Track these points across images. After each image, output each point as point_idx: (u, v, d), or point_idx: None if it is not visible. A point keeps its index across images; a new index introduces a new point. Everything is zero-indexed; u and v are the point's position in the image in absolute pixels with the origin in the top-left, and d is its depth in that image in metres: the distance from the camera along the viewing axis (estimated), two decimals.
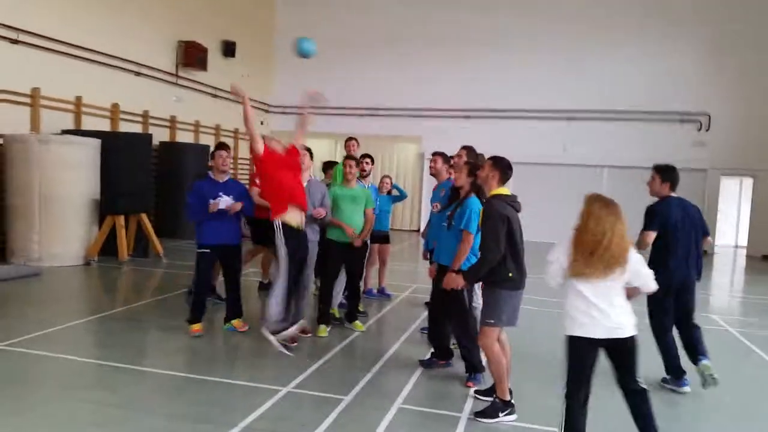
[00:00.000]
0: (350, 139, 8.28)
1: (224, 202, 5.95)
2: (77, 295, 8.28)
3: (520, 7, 17.60)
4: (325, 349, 5.79)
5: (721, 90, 16.46)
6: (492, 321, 4.35)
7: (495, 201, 4.36)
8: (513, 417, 4.31)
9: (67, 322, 6.32)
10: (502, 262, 4.25)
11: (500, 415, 4.29)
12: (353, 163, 6.57)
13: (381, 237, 8.18)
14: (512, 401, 4.36)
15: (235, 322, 6.29)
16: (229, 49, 16.47)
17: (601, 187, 17.13)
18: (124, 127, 12.89)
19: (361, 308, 7.23)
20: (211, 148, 6.76)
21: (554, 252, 3.56)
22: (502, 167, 4.42)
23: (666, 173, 5.34)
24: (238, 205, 6.02)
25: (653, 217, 5.12)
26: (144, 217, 10.74)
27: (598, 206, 3.45)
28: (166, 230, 12.78)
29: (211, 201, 5.91)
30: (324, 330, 6.31)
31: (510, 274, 4.28)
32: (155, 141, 13.56)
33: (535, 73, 17.39)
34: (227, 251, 6.18)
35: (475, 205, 4.91)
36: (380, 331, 6.90)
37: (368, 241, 6.76)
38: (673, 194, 5.31)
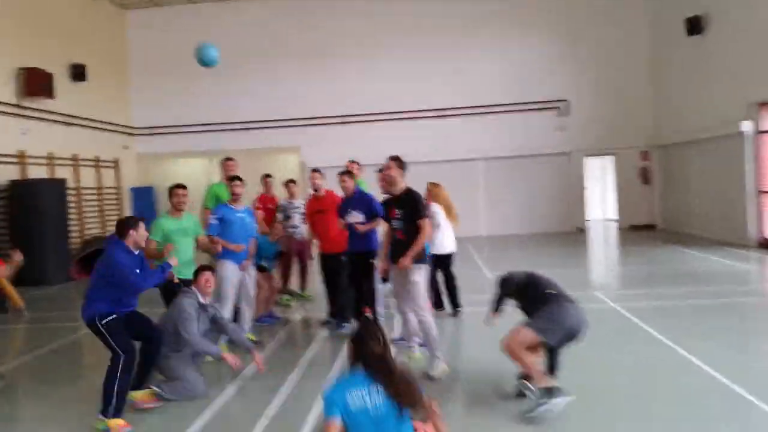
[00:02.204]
0: (228, 159, 7.94)
1: None
2: None
3: (383, 14, 17.72)
4: (217, 392, 5.31)
5: (576, 76, 17.46)
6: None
7: None
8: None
9: None
10: None
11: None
12: (183, 192, 6.26)
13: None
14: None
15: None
16: (78, 73, 15.20)
17: (479, 179, 17.69)
18: None
19: (252, 337, 6.86)
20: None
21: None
22: None
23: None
24: None
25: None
26: None
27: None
28: (27, 278, 11.49)
29: None
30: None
31: None
32: (2, 180, 12.25)
33: (404, 76, 17.56)
34: None
35: None
36: (275, 363, 6.42)
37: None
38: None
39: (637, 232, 16.73)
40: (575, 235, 16.83)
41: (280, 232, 8.33)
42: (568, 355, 4.85)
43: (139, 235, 4.94)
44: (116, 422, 4.57)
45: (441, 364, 5.49)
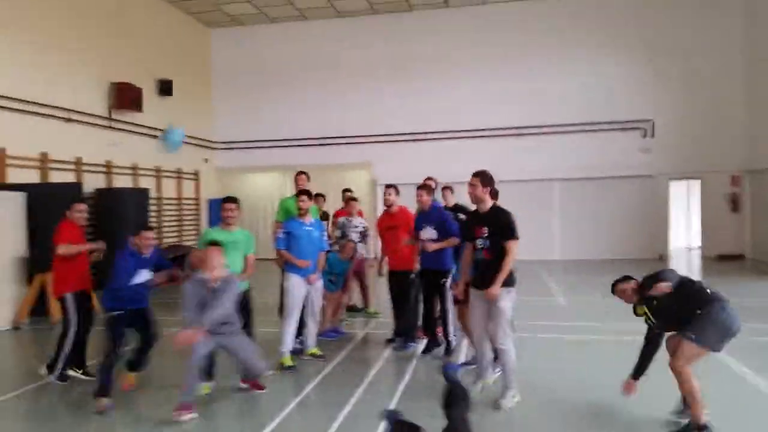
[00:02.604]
0: (300, 172, 7.97)
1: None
2: (3, 365, 7.52)
3: (462, 30, 17.60)
4: (279, 405, 5.28)
5: (663, 96, 16.68)
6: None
7: None
8: None
9: None
10: None
11: None
12: (232, 206, 6.08)
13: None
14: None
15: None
16: (165, 88, 15.88)
17: (554, 200, 17.17)
18: (56, 177, 12.14)
19: (317, 352, 6.87)
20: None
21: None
22: None
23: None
24: None
25: None
26: None
27: None
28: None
29: None
30: None
31: None
32: (91, 188, 12.86)
33: (479, 93, 17.34)
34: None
35: None
36: (338, 379, 6.32)
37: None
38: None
39: (724, 261, 15.72)
40: (657, 262, 15.98)
41: (350, 250, 8.27)
42: (649, 388, 4.51)
43: (137, 241, 5.80)
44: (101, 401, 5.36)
45: (514, 394, 5.24)
